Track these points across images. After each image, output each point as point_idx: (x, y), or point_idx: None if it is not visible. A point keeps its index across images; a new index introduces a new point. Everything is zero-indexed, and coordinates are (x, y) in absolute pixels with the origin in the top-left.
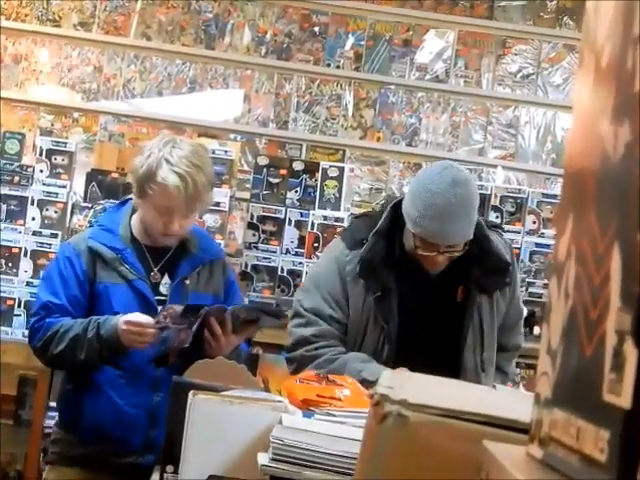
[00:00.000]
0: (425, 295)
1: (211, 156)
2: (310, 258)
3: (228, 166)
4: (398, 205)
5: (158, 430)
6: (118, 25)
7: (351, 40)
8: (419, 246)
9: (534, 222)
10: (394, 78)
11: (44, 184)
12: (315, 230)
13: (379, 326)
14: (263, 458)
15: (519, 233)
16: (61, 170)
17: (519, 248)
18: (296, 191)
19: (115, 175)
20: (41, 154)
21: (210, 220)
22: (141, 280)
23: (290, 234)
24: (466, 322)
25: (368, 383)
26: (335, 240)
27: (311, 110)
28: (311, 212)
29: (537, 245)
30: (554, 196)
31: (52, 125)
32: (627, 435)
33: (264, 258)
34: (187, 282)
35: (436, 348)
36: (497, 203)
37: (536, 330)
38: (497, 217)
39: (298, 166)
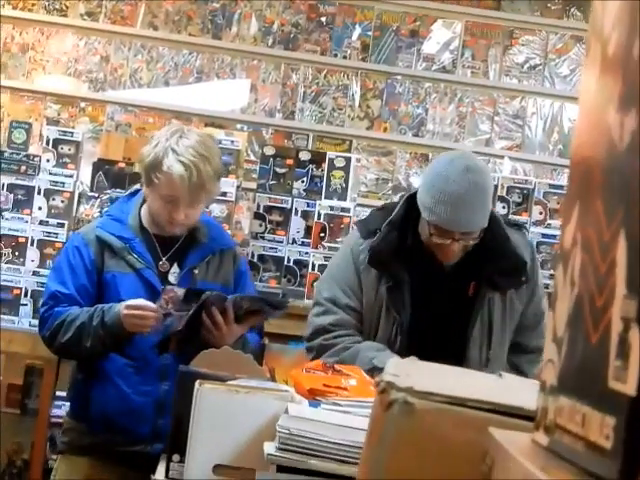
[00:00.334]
0: (437, 288)
1: (218, 146)
2: (316, 248)
3: (235, 156)
4: (413, 196)
5: (166, 419)
6: (125, 15)
7: (358, 30)
8: (434, 234)
9: (541, 213)
10: (401, 68)
11: (51, 174)
12: (321, 220)
13: (391, 316)
14: (269, 447)
15: (526, 224)
16: (68, 160)
17: None
18: (302, 181)
19: (122, 165)
20: (48, 144)
21: (217, 210)
22: (149, 269)
23: (296, 224)
24: (473, 317)
25: (378, 371)
26: (352, 230)
27: (318, 100)
28: (317, 202)
29: (544, 236)
30: (561, 187)
31: (59, 115)
32: (632, 422)
33: (270, 248)
34: (196, 271)
35: (444, 341)
36: (504, 194)
37: None
38: (504, 207)
39: (305, 156)
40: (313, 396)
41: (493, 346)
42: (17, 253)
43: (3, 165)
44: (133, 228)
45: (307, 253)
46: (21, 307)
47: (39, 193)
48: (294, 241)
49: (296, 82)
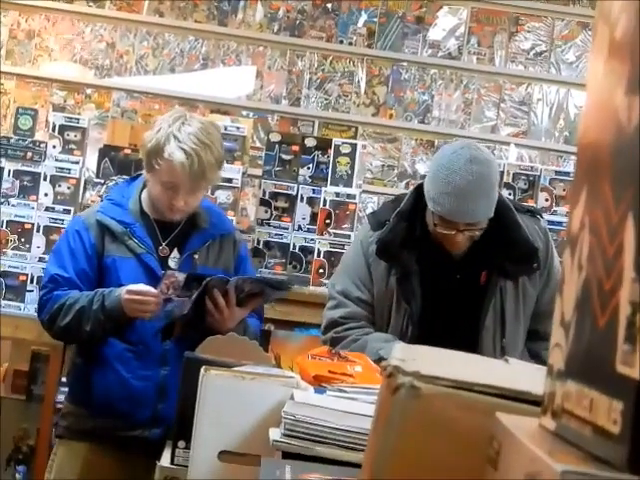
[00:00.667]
0: (448, 277)
1: (223, 132)
2: (322, 235)
3: (240, 143)
4: (421, 186)
5: (165, 404)
6: (131, 1)
7: (364, 17)
8: (438, 224)
9: (547, 200)
10: (407, 55)
11: (57, 160)
12: (327, 207)
13: (402, 307)
14: (275, 434)
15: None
16: (74, 146)
17: None
18: (308, 168)
19: (127, 151)
20: (54, 130)
21: (222, 196)
22: (149, 254)
23: (302, 211)
24: (485, 306)
25: (385, 361)
26: (364, 222)
27: (323, 87)
28: (323, 189)
29: (550, 223)
30: (567, 173)
31: (65, 101)
32: None
33: (276, 234)
34: (196, 257)
35: (457, 330)
36: (510, 180)
37: None
38: (510, 194)
39: (310, 143)
40: (318, 382)
41: (507, 335)
42: (23, 239)
43: (9, 151)
44: (134, 213)
45: (312, 240)
46: (27, 293)
47: (45, 179)
48: (300, 228)
49: (302, 69)
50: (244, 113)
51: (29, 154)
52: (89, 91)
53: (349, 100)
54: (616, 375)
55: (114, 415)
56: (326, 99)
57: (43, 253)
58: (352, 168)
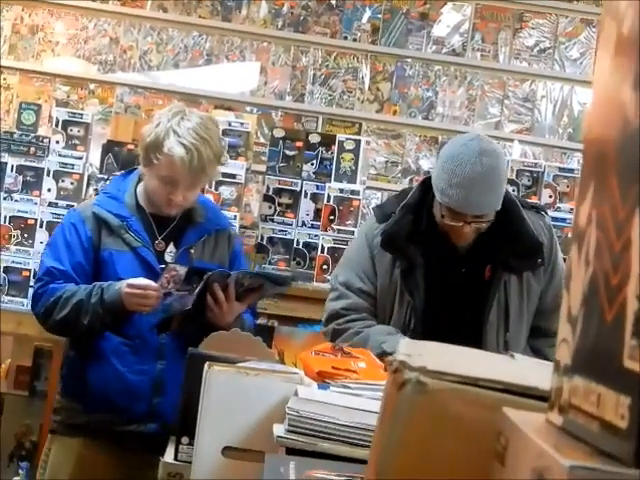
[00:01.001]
0: (452, 271)
1: (227, 128)
2: (326, 231)
3: (244, 138)
4: (428, 179)
5: (161, 398)
6: None
7: (368, 13)
8: (446, 216)
9: (550, 196)
10: (411, 51)
11: (60, 155)
12: (331, 203)
13: (405, 300)
14: (279, 429)
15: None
16: (77, 141)
17: None
18: (312, 164)
19: (131, 147)
20: (57, 125)
21: (226, 192)
22: (146, 248)
23: (306, 207)
24: (489, 300)
25: (387, 355)
26: (369, 215)
27: (327, 83)
28: (327, 185)
29: (553, 219)
30: (570, 170)
31: (68, 96)
32: None
33: (280, 231)
34: (192, 251)
35: (460, 324)
36: (514, 177)
37: None
38: (513, 191)
39: (314, 139)
40: (322, 379)
41: (510, 329)
42: (26, 235)
43: (12, 147)
44: (130, 206)
45: (316, 236)
46: (30, 289)
47: (48, 175)
48: (303, 224)
49: (306, 65)
50: (248, 109)
51: (32, 149)
52: (92, 86)
53: (353, 96)
54: (623, 370)
55: (109, 409)
56: (330, 95)
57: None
58: (356, 164)
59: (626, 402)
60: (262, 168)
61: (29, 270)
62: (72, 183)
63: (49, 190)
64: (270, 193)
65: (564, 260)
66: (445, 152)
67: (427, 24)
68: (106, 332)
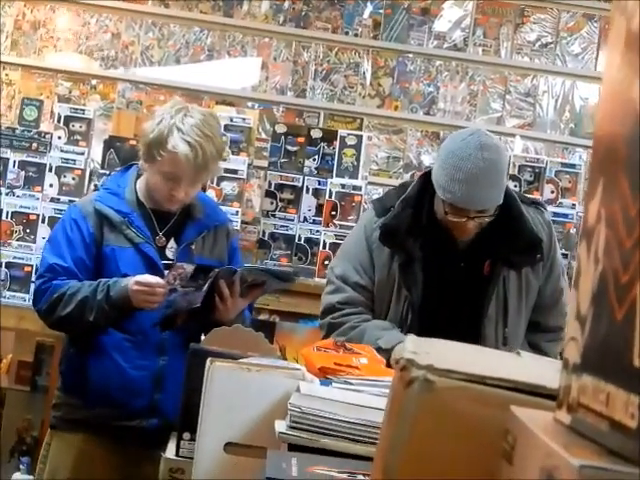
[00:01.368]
0: (451, 266)
1: (229, 124)
2: (327, 226)
3: (246, 134)
4: (428, 173)
5: (163, 394)
6: None
7: (369, 8)
8: (449, 212)
9: (552, 192)
10: (412, 46)
11: (62, 151)
12: (333, 198)
13: (403, 294)
14: (281, 426)
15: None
16: (79, 137)
17: None
18: (314, 159)
19: (133, 142)
20: (59, 121)
21: (228, 188)
22: (148, 244)
23: (308, 202)
24: (489, 295)
25: (383, 351)
26: (368, 208)
27: (329, 78)
28: (329, 180)
29: (555, 215)
30: (572, 165)
31: (70, 92)
32: None
33: (281, 226)
34: (193, 247)
35: (459, 319)
36: (515, 172)
37: None
38: (515, 186)
39: (316, 134)
40: (324, 374)
41: (509, 325)
42: (28, 230)
43: (14, 142)
44: (130, 202)
45: (318, 231)
46: (32, 284)
47: (50, 170)
48: (305, 219)
49: (307, 60)
50: (249, 104)
51: (34, 145)
52: (94, 82)
53: (354, 91)
54: (633, 369)
55: (110, 405)
56: (331, 90)
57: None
58: (358, 160)
59: (636, 401)
60: (264, 163)
61: (31, 265)
62: (74, 179)
63: (51, 186)
64: (272, 189)
65: (565, 256)
66: (445, 148)
67: (428, 19)
68: (108, 328)
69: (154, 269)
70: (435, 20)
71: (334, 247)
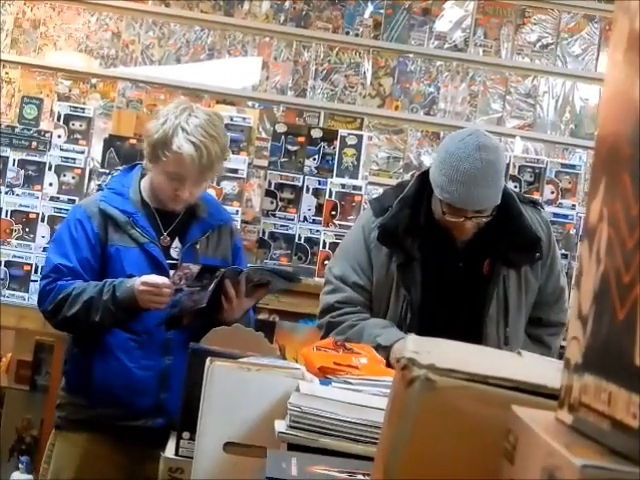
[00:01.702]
0: (450, 266)
1: (229, 123)
2: (327, 226)
3: (246, 133)
4: (426, 173)
5: (168, 393)
6: None
7: (370, 8)
8: (446, 212)
9: (552, 192)
10: (413, 47)
11: (62, 150)
12: (333, 198)
13: (402, 294)
14: (280, 425)
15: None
16: (79, 136)
17: None
18: (314, 159)
19: (133, 141)
20: (59, 120)
21: (228, 187)
22: (152, 243)
23: (308, 202)
24: (489, 294)
25: (382, 349)
26: (366, 208)
27: (329, 78)
28: (329, 180)
29: (555, 215)
30: (572, 166)
31: (70, 91)
32: None
33: (281, 226)
34: (197, 246)
35: (459, 319)
36: (515, 173)
37: None
38: (515, 187)
39: (316, 134)
40: (324, 374)
41: (510, 324)
42: (27, 229)
43: (14, 141)
44: (135, 202)
45: (318, 231)
46: (31, 283)
47: (50, 169)
48: (305, 219)
49: (308, 60)
50: (250, 104)
51: (34, 143)
52: (94, 81)
53: (355, 91)
54: (635, 368)
55: (115, 404)
56: (332, 90)
57: (47, 243)
58: (358, 159)
59: (637, 401)
60: (264, 163)
61: (30, 264)
62: (74, 177)
63: (51, 184)
64: (272, 188)
65: (565, 257)
66: (443, 148)
67: (429, 19)
68: (114, 328)
69: (159, 269)
70: (436, 20)
71: (334, 247)
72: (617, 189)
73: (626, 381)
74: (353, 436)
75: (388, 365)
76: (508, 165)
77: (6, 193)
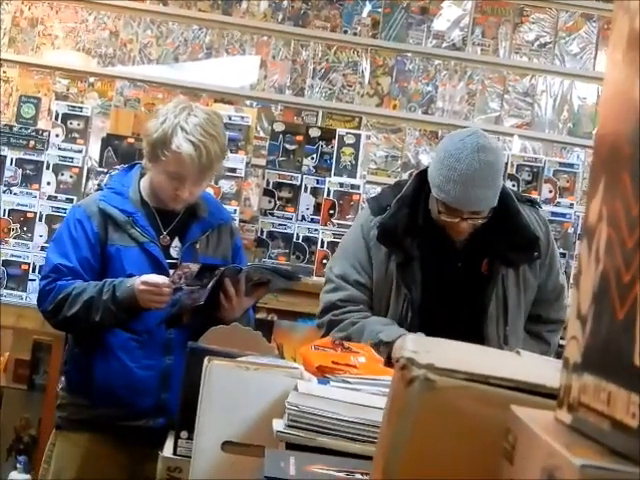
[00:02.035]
0: (449, 265)
1: (227, 122)
2: (326, 225)
3: (244, 132)
4: (424, 172)
5: (169, 393)
6: None
7: (368, 7)
8: (442, 212)
9: (550, 191)
10: (411, 46)
11: (59, 149)
12: (331, 197)
13: (402, 293)
14: (278, 424)
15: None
16: (77, 135)
17: None
18: (312, 158)
19: (131, 140)
20: (57, 119)
21: (226, 186)
22: (152, 243)
23: (306, 201)
24: (488, 294)
25: (384, 345)
26: (364, 207)
27: (327, 77)
28: (327, 179)
29: (553, 214)
30: (570, 165)
31: (68, 90)
32: None
33: (280, 225)
34: (197, 246)
35: (459, 319)
36: (513, 172)
37: None
38: (513, 185)
39: (314, 133)
40: (322, 373)
41: (509, 323)
42: (25, 228)
43: (12, 140)
44: (134, 202)
45: (316, 230)
46: (29, 282)
47: (48, 168)
48: (303, 218)
49: (306, 59)
50: (248, 103)
51: (32, 142)
52: (92, 80)
53: (353, 90)
54: (635, 368)
55: (117, 404)
56: (330, 89)
57: (45, 242)
58: (356, 158)
59: (637, 400)
60: (262, 162)
61: (28, 264)
62: (71, 176)
63: (48, 183)
64: (270, 187)
65: (563, 256)
66: (442, 148)
67: (427, 18)
68: (114, 328)
69: (159, 268)
70: (434, 19)
71: (332, 246)
72: (617, 189)
73: (625, 381)
74: (351, 435)
75: (389, 361)
76: (506, 164)
77: (4, 192)
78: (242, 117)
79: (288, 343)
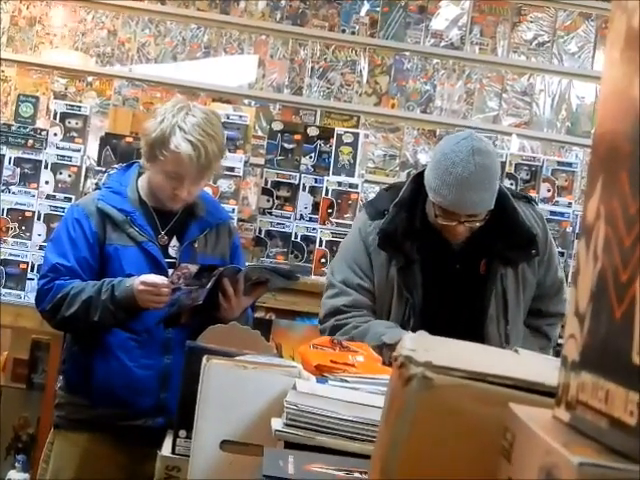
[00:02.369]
0: (448, 267)
1: (225, 121)
2: (324, 224)
3: (242, 131)
4: (420, 175)
5: (168, 393)
6: None
7: (366, 6)
8: (439, 215)
9: (548, 190)
10: (409, 45)
11: (58, 148)
12: (329, 196)
13: (404, 297)
14: (277, 423)
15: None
16: (75, 134)
17: None
18: (310, 157)
19: (129, 139)
20: (55, 118)
21: (224, 185)
22: (151, 242)
23: (304, 200)
24: (488, 294)
25: (387, 347)
26: (361, 211)
27: (326, 76)
28: (325, 178)
29: (551, 213)
30: (569, 164)
31: (66, 89)
32: None
33: (278, 224)
34: (195, 245)
35: (460, 320)
36: (512, 171)
37: None
38: (512, 184)
39: (313, 132)
40: (320, 372)
41: (510, 321)
42: (24, 227)
43: (10, 139)
44: (132, 201)
45: (315, 229)
46: (28, 281)
47: (46, 167)
48: (302, 217)
49: (304, 58)
50: (246, 102)
51: (30, 142)
52: (90, 79)
53: (351, 89)
54: (633, 366)
55: (116, 404)
56: (328, 88)
57: (44, 241)
58: (354, 157)
59: (635, 398)
60: (260, 161)
61: (27, 263)
62: (70, 175)
63: (47, 182)
64: (268, 186)
65: (562, 255)
66: (438, 151)
67: (425, 17)
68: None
69: (158, 268)
70: (432, 18)
71: (330, 245)
72: (615, 187)
73: (624, 379)
74: (350, 434)
75: (391, 364)
76: (504, 163)
77: (2, 191)
78: (240, 116)
79: (286, 342)
